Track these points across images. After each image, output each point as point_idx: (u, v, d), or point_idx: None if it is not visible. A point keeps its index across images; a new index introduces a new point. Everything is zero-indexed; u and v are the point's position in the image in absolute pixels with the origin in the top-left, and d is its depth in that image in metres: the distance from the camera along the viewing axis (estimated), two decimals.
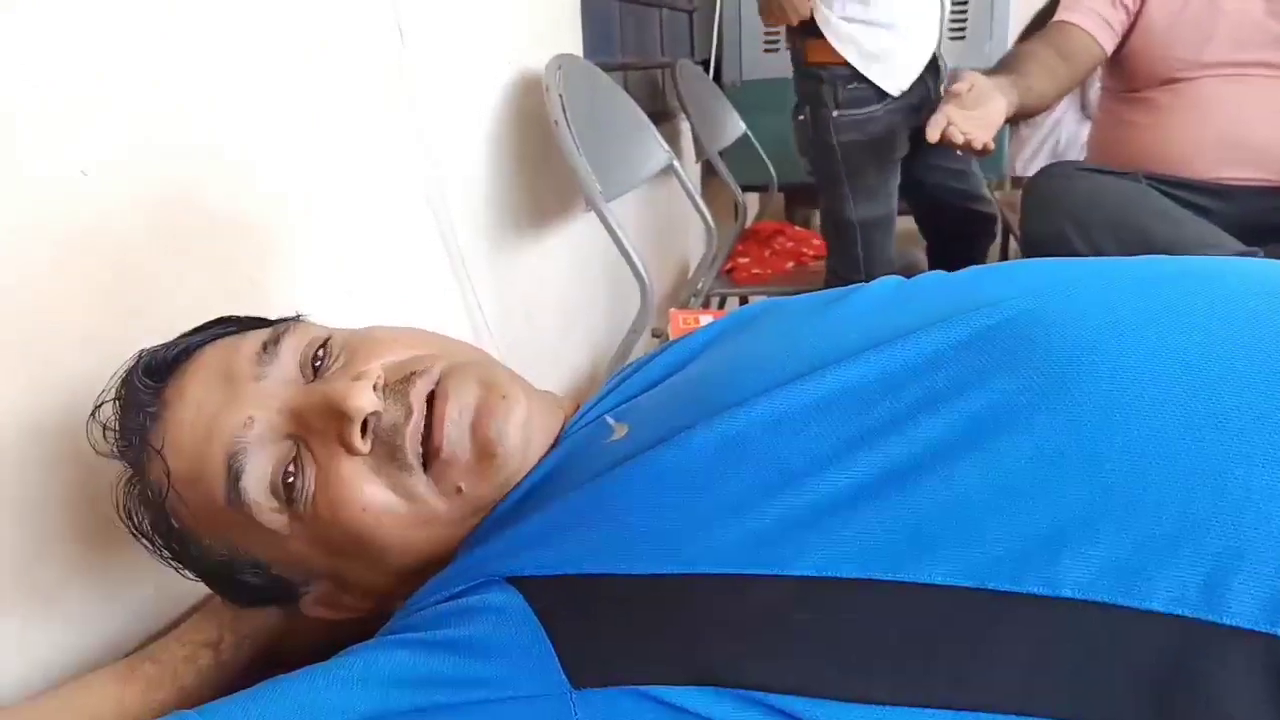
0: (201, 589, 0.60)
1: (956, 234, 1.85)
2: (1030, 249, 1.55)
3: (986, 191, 1.83)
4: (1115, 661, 0.37)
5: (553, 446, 0.55)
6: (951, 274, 0.58)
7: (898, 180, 1.74)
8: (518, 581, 0.46)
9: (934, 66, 1.73)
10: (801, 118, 1.76)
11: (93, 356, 0.60)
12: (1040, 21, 2.69)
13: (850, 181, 1.70)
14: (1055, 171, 1.53)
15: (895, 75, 1.66)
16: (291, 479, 0.51)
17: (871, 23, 1.62)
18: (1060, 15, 1.57)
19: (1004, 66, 1.50)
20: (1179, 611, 0.37)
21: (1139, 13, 1.51)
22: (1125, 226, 1.29)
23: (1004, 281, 0.53)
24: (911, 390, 0.45)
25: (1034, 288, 0.49)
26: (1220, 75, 1.45)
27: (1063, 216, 1.41)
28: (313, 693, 0.46)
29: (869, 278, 0.59)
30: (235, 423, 0.51)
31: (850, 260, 1.74)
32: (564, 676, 0.43)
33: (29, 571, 0.60)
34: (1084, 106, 2.72)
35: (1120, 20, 1.51)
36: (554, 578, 0.45)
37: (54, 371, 0.61)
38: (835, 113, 1.68)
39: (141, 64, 0.67)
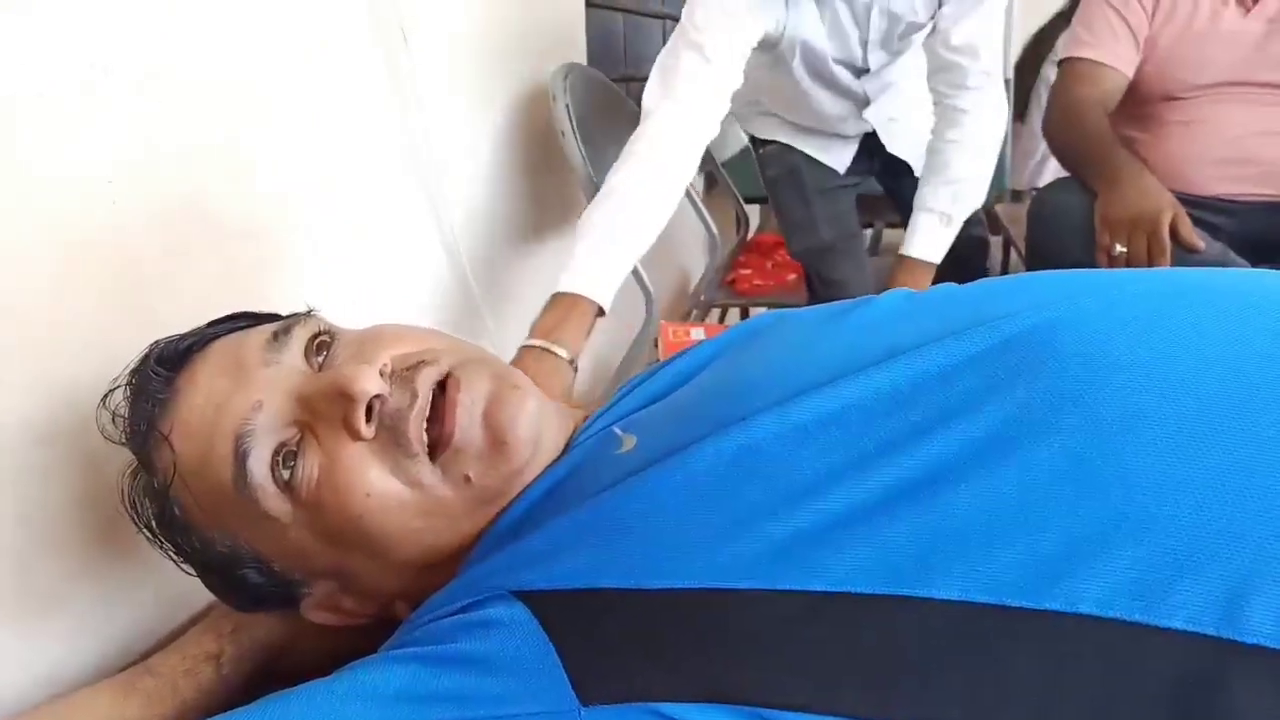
0: (202, 598, 0.59)
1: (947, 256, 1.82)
2: (1035, 264, 1.54)
3: (979, 213, 1.79)
4: (1134, 680, 0.37)
5: (560, 456, 0.55)
6: (961, 287, 0.58)
7: (839, 208, 1.68)
8: (525, 596, 0.45)
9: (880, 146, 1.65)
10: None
11: (96, 361, 0.59)
12: (1046, 35, 2.70)
13: (781, 215, 1.70)
14: (1061, 186, 1.53)
15: (829, 153, 1.65)
16: (291, 462, 0.51)
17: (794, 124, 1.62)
18: (1080, 52, 1.53)
19: (1094, 147, 1.43)
20: (1199, 629, 0.36)
21: (1148, 34, 1.52)
22: None
23: (1015, 294, 0.52)
24: (924, 404, 0.44)
25: (1045, 300, 0.49)
26: (1223, 93, 1.46)
27: (1069, 232, 1.41)
28: (315, 708, 0.45)
29: (825, 301, 0.59)
30: (244, 405, 0.51)
31: (810, 286, 1.73)
32: (572, 693, 0.42)
33: (28, 579, 0.60)
34: None
35: (1135, 51, 1.51)
36: (562, 592, 0.45)
37: (57, 376, 0.60)
38: (760, 150, 1.69)
39: (146, 67, 0.67)
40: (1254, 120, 1.44)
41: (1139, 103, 1.55)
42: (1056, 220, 1.46)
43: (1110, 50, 1.51)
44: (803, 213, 1.66)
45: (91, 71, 0.62)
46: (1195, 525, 0.38)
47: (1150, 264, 1.21)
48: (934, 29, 1.35)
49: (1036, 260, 1.53)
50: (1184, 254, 1.27)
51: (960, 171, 1.39)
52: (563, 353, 0.94)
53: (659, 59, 1.19)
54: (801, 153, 1.64)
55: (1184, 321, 0.45)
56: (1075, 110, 1.49)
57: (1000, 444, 0.42)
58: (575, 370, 0.97)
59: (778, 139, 1.66)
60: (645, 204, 1.11)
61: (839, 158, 1.66)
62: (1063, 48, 1.65)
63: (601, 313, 1.02)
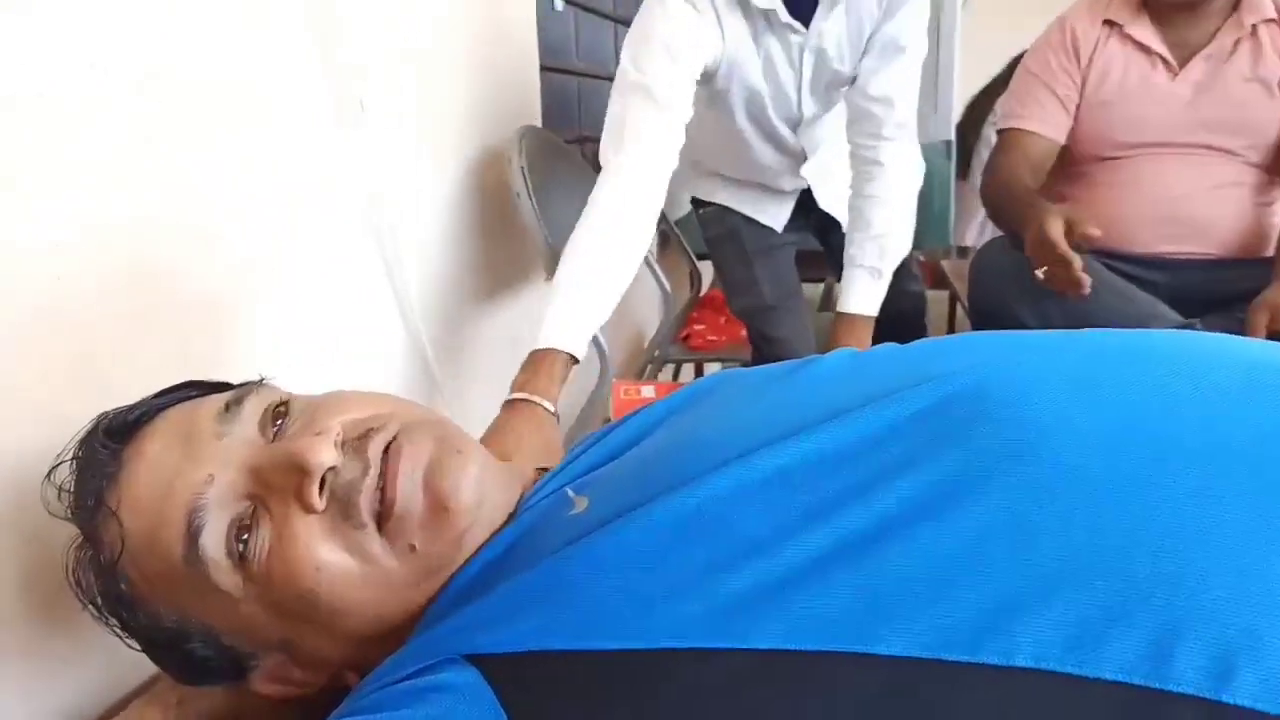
0: (148, 669, 0.58)
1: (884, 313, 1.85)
2: (978, 319, 1.59)
3: (914, 268, 1.78)
4: None
5: (511, 518, 0.55)
6: (902, 347, 0.60)
7: (779, 267, 1.70)
8: (476, 660, 0.45)
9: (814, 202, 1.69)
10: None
11: (45, 430, 0.59)
12: (985, 97, 2.81)
13: (721, 275, 1.72)
14: (1002, 244, 1.58)
15: (766, 213, 1.68)
16: (245, 536, 0.50)
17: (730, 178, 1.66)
18: (1012, 123, 1.62)
19: (1016, 205, 1.49)
20: (1128, 679, 0.37)
21: (1079, 102, 1.59)
22: (1072, 299, 1.34)
23: (954, 354, 0.54)
24: (867, 462, 0.46)
25: (983, 361, 0.51)
26: (1155, 153, 1.52)
27: (1010, 288, 1.45)
28: None
29: (769, 361, 0.60)
30: (196, 480, 0.51)
31: (752, 343, 1.73)
32: None
33: None
34: None
35: (1066, 116, 1.59)
36: (514, 655, 0.45)
37: (5, 446, 0.59)
38: (700, 210, 1.72)
39: (103, 138, 0.67)
40: (1185, 180, 1.50)
41: (1076, 163, 1.61)
42: (995, 276, 1.52)
43: (1039, 120, 1.59)
44: (743, 273, 1.68)
45: (50, 143, 0.62)
46: (1120, 579, 0.39)
47: (1062, 274, 1.26)
48: (854, 81, 1.41)
49: (979, 314, 1.58)
50: (1116, 304, 1.33)
51: (882, 226, 1.42)
52: (543, 402, 0.99)
53: (608, 112, 1.22)
54: (740, 214, 1.67)
55: (1113, 382, 0.47)
56: (1005, 177, 1.57)
57: (938, 501, 0.43)
58: (556, 417, 1.00)
59: (716, 200, 1.69)
60: (611, 251, 1.15)
61: (776, 216, 1.69)
62: (999, 114, 1.73)
63: (575, 360, 1.07)
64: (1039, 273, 1.32)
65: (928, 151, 1.74)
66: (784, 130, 1.52)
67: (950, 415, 0.47)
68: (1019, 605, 0.40)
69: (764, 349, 1.66)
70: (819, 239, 1.78)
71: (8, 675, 0.61)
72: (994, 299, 1.49)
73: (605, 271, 1.15)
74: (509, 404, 1.00)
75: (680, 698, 0.41)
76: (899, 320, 1.67)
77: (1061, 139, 1.59)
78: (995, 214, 1.62)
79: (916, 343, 0.60)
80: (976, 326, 1.60)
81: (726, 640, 0.42)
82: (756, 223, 1.67)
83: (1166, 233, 1.51)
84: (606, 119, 1.22)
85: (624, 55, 1.23)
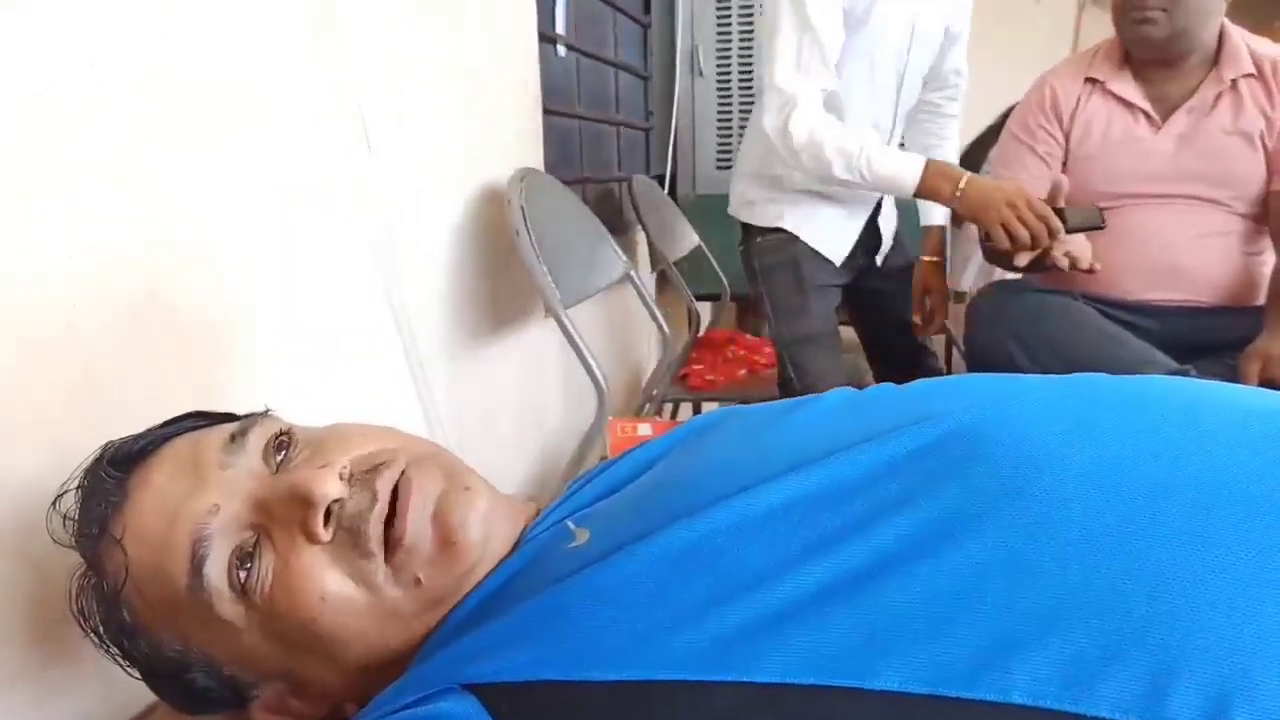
0: (146, 698, 0.58)
1: (896, 363, 1.91)
2: (974, 362, 1.61)
3: (931, 347, 1.91)
4: None
5: (513, 550, 0.56)
6: (899, 386, 0.61)
7: (832, 303, 1.76)
8: (475, 689, 0.46)
9: (874, 237, 1.79)
10: (741, 248, 1.84)
11: (50, 458, 0.59)
12: (979, 147, 2.85)
13: (773, 302, 1.75)
14: (1000, 289, 1.60)
15: (830, 242, 1.74)
16: (248, 564, 0.51)
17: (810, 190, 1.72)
18: (997, 171, 1.71)
19: None
20: (1124, 718, 0.38)
21: (1065, 154, 1.63)
22: (1067, 343, 1.35)
23: (951, 395, 0.55)
24: (865, 498, 0.47)
25: (980, 401, 0.52)
26: (1142, 204, 1.55)
27: (1006, 332, 1.47)
28: None
29: (798, 394, 0.61)
30: (200, 509, 0.51)
31: (781, 378, 1.77)
32: None
33: None
34: None
35: (1050, 172, 1.63)
36: (513, 685, 0.45)
37: (9, 474, 0.60)
38: (759, 239, 1.76)
39: (110, 166, 0.68)
40: (1172, 229, 1.53)
41: None
42: (992, 319, 1.54)
43: (1024, 181, 1.64)
44: (797, 301, 1.73)
45: (57, 171, 0.63)
46: (1116, 619, 0.40)
47: (1034, 229, 1.36)
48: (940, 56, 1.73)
49: (975, 357, 1.60)
50: (1110, 349, 1.35)
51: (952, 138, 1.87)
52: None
53: (780, 48, 1.49)
54: (803, 244, 1.71)
55: (1108, 425, 0.48)
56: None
57: (935, 538, 0.44)
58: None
59: (782, 226, 1.72)
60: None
61: (838, 244, 1.73)
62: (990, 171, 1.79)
63: None
64: (1018, 259, 1.39)
65: None
66: (888, 105, 1.69)
67: (947, 454, 0.48)
68: (1016, 642, 0.40)
69: (796, 382, 1.71)
70: (854, 285, 1.83)
71: (11, 702, 0.61)
72: (990, 342, 1.50)
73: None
74: (962, 200, 1.43)
75: None
76: (906, 372, 1.71)
77: (1043, 194, 1.64)
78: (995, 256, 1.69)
79: (914, 383, 0.61)
80: (972, 369, 1.62)
81: (724, 673, 0.42)
82: (816, 256, 1.72)
83: (1155, 280, 1.54)
84: (778, 49, 1.49)
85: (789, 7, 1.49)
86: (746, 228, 1.79)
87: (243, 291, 0.84)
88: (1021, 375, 0.58)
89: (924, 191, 1.48)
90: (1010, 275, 1.95)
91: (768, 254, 1.74)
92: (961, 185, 1.45)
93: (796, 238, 1.71)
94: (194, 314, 0.78)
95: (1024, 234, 1.37)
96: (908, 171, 1.46)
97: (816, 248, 1.71)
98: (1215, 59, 1.53)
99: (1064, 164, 1.63)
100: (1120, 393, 0.54)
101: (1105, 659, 0.39)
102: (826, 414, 0.58)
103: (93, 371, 0.66)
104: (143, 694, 0.58)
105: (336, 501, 0.51)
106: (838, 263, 1.73)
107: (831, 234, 1.73)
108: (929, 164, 1.48)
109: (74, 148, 0.65)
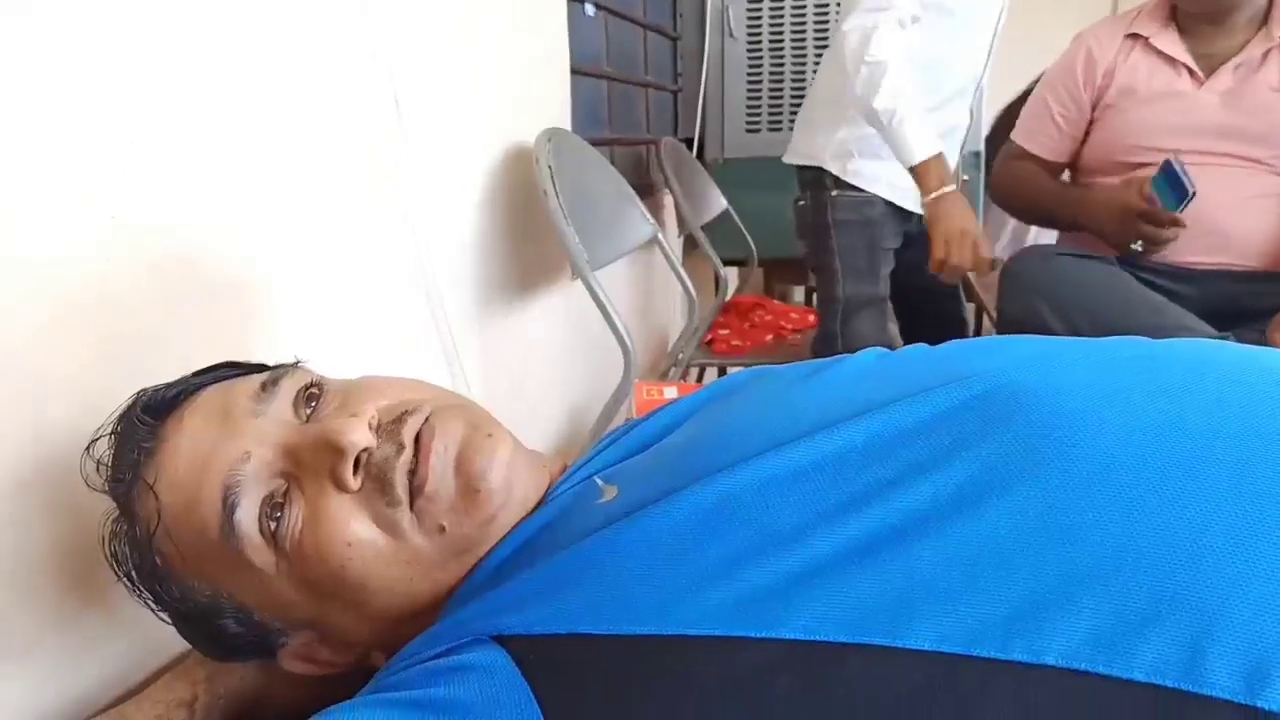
0: (178, 644, 0.59)
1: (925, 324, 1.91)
2: (1006, 329, 1.59)
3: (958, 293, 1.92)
4: None
5: (540, 505, 0.56)
6: (932, 347, 0.60)
7: (889, 268, 1.78)
8: (504, 640, 0.46)
9: None
10: (802, 202, 1.82)
11: (81, 411, 0.60)
12: (1008, 119, 2.80)
13: (842, 258, 1.75)
14: (1034, 254, 1.57)
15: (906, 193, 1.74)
16: (278, 513, 0.51)
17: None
18: (1018, 138, 1.75)
19: (1048, 198, 1.71)
20: (1159, 681, 0.37)
21: (1094, 112, 1.60)
22: (1103, 310, 1.33)
23: (985, 354, 0.54)
24: (897, 457, 0.46)
25: (1014, 361, 0.51)
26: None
27: (1040, 298, 1.45)
28: None
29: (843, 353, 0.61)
30: (233, 456, 0.52)
31: (827, 336, 1.77)
32: None
33: (4, 625, 0.59)
34: None
35: (1067, 141, 1.66)
36: (541, 637, 0.45)
37: (41, 425, 0.61)
38: (834, 192, 1.74)
39: (142, 130, 0.68)
40: (1215, 190, 1.47)
41: (1105, 174, 1.60)
42: (1027, 284, 1.51)
43: (1038, 144, 1.70)
44: (866, 261, 1.74)
45: (92, 137, 0.63)
46: (1154, 580, 0.39)
47: (1153, 234, 1.46)
48: None
49: (1007, 324, 1.58)
50: (1146, 315, 1.33)
51: None
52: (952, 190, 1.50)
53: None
54: (879, 206, 1.73)
55: (1146, 386, 0.47)
56: (1019, 172, 1.74)
57: (968, 497, 0.43)
58: None
59: (863, 186, 1.72)
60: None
61: (911, 197, 1.73)
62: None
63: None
64: (1135, 245, 1.48)
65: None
66: (982, 58, 1.74)
67: (983, 413, 0.47)
68: (1051, 603, 0.40)
69: (841, 342, 1.73)
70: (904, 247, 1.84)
71: (43, 650, 0.62)
72: (1025, 308, 1.48)
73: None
74: (937, 201, 1.49)
75: (706, 685, 0.42)
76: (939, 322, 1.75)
77: (1061, 159, 1.69)
78: (1006, 198, 1.79)
79: (947, 343, 0.60)
80: (1003, 333, 1.60)
81: (752, 629, 0.42)
82: (890, 218, 1.74)
83: (1196, 244, 1.49)
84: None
85: None
86: (818, 179, 1.76)
87: (272, 255, 0.84)
88: (1056, 337, 0.56)
89: (918, 170, 1.55)
90: (1044, 240, 1.94)
91: (843, 209, 1.74)
92: (943, 190, 1.53)
93: (874, 199, 1.72)
94: (224, 277, 0.78)
95: (952, 260, 1.53)
96: (918, 148, 1.53)
97: (900, 203, 1.73)
98: (1265, 16, 1.48)
99: (1089, 128, 1.61)
100: (1158, 353, 0.52)
101: (1142, 621, 0.38)
102: (858, 373, 0.57)
103: (123, 332, 0.67)
104: (174, 642, 0.58)
105: (365, 450, 0.51)
106: (918, 209, 1.71)
107: (906, 188, 1.73)
108: (937, 156, 1.55)
109: (105, 112, 0.65)
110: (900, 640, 0.40)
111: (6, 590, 0.59)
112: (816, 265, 1.82)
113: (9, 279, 0.58)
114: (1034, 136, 1.71)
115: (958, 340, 0.60)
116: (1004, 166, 1.78)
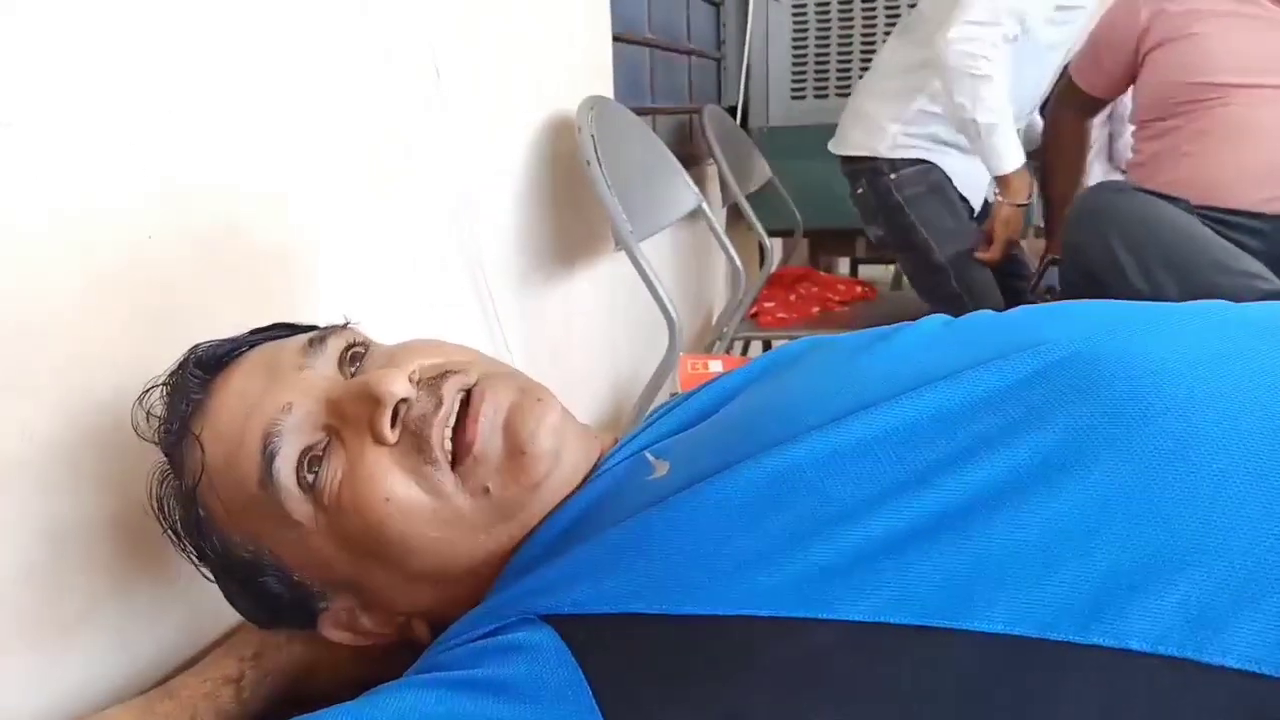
0: (225, 622, 0.59)
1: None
2: (1075, 261, 1.51)
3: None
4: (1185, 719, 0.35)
5: (589, 480, 0.54)
6: (999, 314, 0.57)
7: (970, 220, 1.84)
8: (554, 620, 0.44)
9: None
10: (860, 191, 1.85)
11: (128, 381, 0.59)
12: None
13: (927, 228, 1.79)
14: (1109, 186, 1.53)
15: (969, 190, 1.84)
16: (316, 468, 0.50)
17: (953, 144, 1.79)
18: (1072, 73, 1.77)
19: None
20: (1255, 669, 0.35)
21: (1145, 42, 1.55)
22: (1175, 248, 1.28)
23: (1058, 320, 0.51)
24: (968, 429, 0.43)
25: (1091, 326, 0.48)
26: (1257, 95, 1.41)
27: (1114, 231, 1.39)
28: None
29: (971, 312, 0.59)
30: (275, 406, 0.51)
31: (950, 298, 1.79)
32: None
33: (54, 598, 0.59)
34: (1111, 157, 2.72)
35: (1115, 80, 1.66)
36: (592, 617, 0.44)
37: (89, 395, 0.60)
38: (894, 174, 1.79)
39: (186, 99, 0.67)
40: None
41: (1164, 116, 1.52)
42: (1098, 217, 1.45)
43: (1087, 79, 1.72)
44: (952, 221, 1.80)
45: (124, 99, 0.63)
46: (1249, 559, 0.37)
47: None
48: None
49: (1075, 257, 1.51)
50: (1220, 260, 1.32)
51: None
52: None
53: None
54: (942, 170, 1.80)
55: (1240, 354, 0.44)
56: (1053, 117, 1.84)
57: (1044, 472, 0.41)
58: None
59: (925, 158, 1.79)
60: None
61: (976, 196, 1.86)
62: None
63: None
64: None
65: None
66: (1043, 88, 1.81)
67: (1059, 382, 0.44)
68: (1136, 584, 0.37)
69: (970, 297, 1.78)
70: None
71: (94, 619, 0.62)
72: (1094, 241, 1.43)
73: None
74: (1016, 209, 1.66)
75: (763, 668, 0.40)
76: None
77: (1109, 96, 1.72)
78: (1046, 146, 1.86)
79: (1015, 309, 0.57)
80: (1070, 275, 1.55)
81: (813, 610, 0.40)
82: (953, 183, 1.82)
83: (1270, 184, 1.40)
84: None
85: None
86: (874, 165, 1.80)
87: (313, 225, 0.84)
88: (1135, 303, 0.53)
89: (1007, 179, 1.67)
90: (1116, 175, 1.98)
91: (910, 184, 1.79)
92: (1029, 197, 1.70)
93: (937, 165, 1.78)
94: (267, 247, 0.77)
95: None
96: (1010, 160, 1.65)
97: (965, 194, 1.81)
98: None
99: (1142, 56, 1.56)
100: (1247, 320, 0.49)
101: (1235, 604, 0.36)
102: (924, 340, 0.55)
103: (168, 301, 0.66)
104: (224, 618, 0.58)
105: (404, 402, 0.50)
106: (977, 208, 1.84)
107: (969, 182, 1.82)
108: (1024, 166, 1.68)
109: (146, 82, 0.64)
110: (971, 623, 0.38)
111: (60, 561, 0.59)
112: (901, 244, 1.84)
113: (50, 251, 0.58)
114: (1083, 73, 1.72)
115: (1028, 306, 0.57)
116: (1057, 111, 1.83)
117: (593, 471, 0.55)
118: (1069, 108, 1.80)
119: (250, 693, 0.59)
